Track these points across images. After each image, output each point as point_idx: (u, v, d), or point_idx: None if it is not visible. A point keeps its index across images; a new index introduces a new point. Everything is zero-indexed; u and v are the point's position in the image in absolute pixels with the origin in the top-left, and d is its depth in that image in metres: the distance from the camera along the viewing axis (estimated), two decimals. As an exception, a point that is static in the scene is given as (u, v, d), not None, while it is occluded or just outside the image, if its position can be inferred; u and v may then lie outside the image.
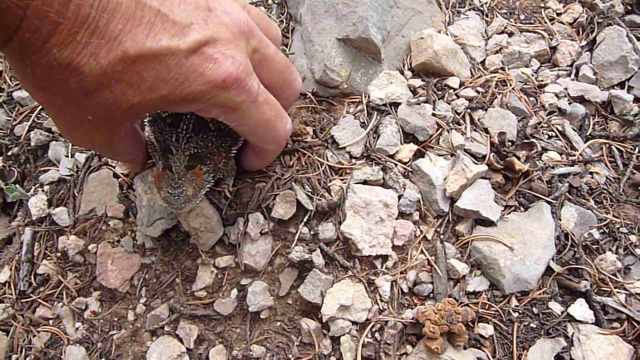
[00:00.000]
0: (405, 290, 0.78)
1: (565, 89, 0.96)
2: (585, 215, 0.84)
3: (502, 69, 0.98)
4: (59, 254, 0.84)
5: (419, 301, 0.78)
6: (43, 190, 0.88)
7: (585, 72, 0.98)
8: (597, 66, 0.99)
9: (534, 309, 0.78)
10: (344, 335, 0.74)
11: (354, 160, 0.85)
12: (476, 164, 0.84)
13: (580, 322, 0.76)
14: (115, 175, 0.87)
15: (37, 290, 0.84)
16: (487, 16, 1.07)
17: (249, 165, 0.79)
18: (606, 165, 0.91)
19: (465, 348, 0.74)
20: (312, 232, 0.80)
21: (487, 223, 0.82)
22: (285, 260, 0.79)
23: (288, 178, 0.82)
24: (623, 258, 0.82)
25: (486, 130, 0.89)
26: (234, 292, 0.78)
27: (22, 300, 0.83)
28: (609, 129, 0.94)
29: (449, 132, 0.88)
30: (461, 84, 0.94)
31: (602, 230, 0.84)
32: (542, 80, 0.98)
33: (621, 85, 0.98)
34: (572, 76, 0.99)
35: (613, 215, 0.85)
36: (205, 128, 0.69)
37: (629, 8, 1.06)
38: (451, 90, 0.92)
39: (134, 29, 0.48)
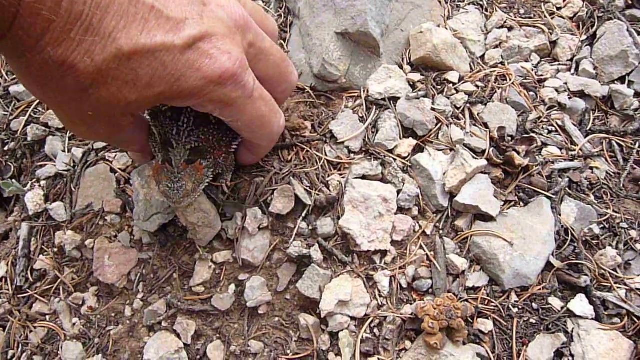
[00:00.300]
0: (404, 286, 0.78)
1: (566, 83, 0.95)
2: (586, 211, 0.84)
3: (502, 63, 0.98)
4: (55, 250, 0.83)
5: (418, 296, 0.78)
6: (40, 185, 0.88)
7: (586, 66, 0.97)
8: (598, 61, 0.98)
9: (533, 304, 0.77)
10: (342, 330, 0.74)
11: (352, 155, 0.84)
12: (476, 158, 0.84)
13: (580, 317, 0.76)
14: (113, 170, 0.86)
15: (33, 285, 0.83)
16: (486, 10, 1.06)
17: (241, 160, 0.79)
18: (606, 160, 0.90)
19: (464, 343, 0.74)
20: (310, 227, 0.79)
21: (487, 218, 0.82)
22: (284, 255, 0.78)
23: (286, 173, 0.81)
24: (623, 253, 0.81)
25: (486, 125, 0.89)
26: (232, 287, 0.78)
27: (18, 296, 0.83)
28: (609, 123, 0.94)
29: (448, 126, 0.87)
30: (460, 79, 0.93)
31: (602, 226, 0.83)
32: (542, 75, 0.97)
33: (621, 79, 0.97)
34: (572, 71, 0.98)
35: (613, 211, 0.85)
36: (207, 121, 0.69)
37: (630, 2, 1.06)
38: (450, 85, 0.92)
39: (128, 26, 0.48)
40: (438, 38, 0.91)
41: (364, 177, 0.82)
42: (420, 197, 0.82)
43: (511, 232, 0.80)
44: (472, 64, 0.97)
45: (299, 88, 0.91)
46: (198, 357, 0.75)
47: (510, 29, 1.03)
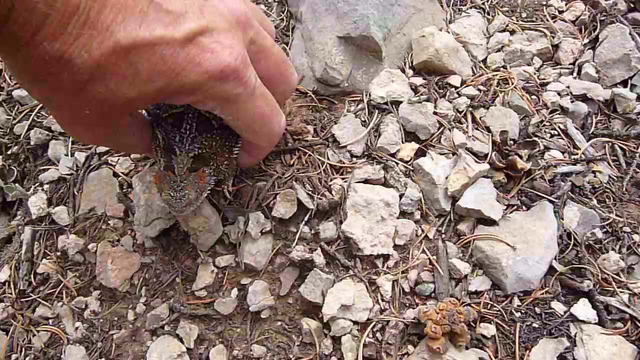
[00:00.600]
0: (407, 290, 0.78)
1: (568, 87, 0.95)
2: (588, 215, 0.84)
3: (504, 67, 0.98)
4: (58, 253, 0.84)
5: (421, 301, 0.78)
6: (43, 189, 0.88)
7: (588, 70, 0.97)
8: (600, 64, 0.98)
9: (536, 308, 0.77)
10: (345, 335, 0.74)
11: (354, 159, 0.85)
12: (478, 162, 0.84)
13: (583, 322, 0.76)
14: (115, 174, 0.86)
15: (36, 289, 0.83)
16: (488, 14, 1.06)
17: (241, 162, 0.77)
18: (609, 164, 0.90)
19: (467, 348, 0.73)
20: (312, 232, 0.79)
21: (489, 222, 0.82)
22: (286, 259, 0.78)
23: (289, 177, 0.81)
24: (626, 257, 0.81)
25: (488, 129, 0.89)
26: (235, 291, 0.78)
27: (21, 300, 0.83)
28: (611, 127, 0.94)
29: (450, 130, 0.87)
30: (463, 83, 0.93)
31: (605, 230, 0.83)
32: (544, 79, 0.97)
33: (624, 83, 0.97)
34: (575, 74, 0.98)
35: (616, 215, 0.84)
36: (209, 127, 0.68)
37: (632, 6, 1.05)
38: (453, 89, 0.92)
39: (127, 19, 0.46)
40: (440, 42, 0.91)
41: (366, 181, 0.82)
42: (423, 201, 0.82)
43: (514, 236, 0.80)
44: (474, 68, 0.97)
45: (301, 92, 0.91)
46: (200, 361, 0.75)
47: (512, 32, 1.03)
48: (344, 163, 0.84)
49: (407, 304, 0.77)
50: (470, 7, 1.06)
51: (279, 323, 0.77)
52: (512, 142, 0.88)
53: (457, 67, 0.93)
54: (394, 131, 0.85)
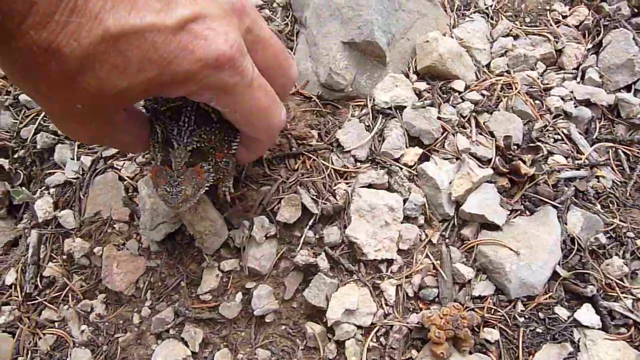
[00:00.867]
0: (411, 295, 0.78)
1: (571, 92, 0.96)
2: (592, 220, 0.84)
3: (508, 72, 0.98)
4: (64, 257, 0.84)
5: (424, 305, 0.78)
6: (49, 193, 0.89)
7: (592, 75, 0.97)
8: (603, 69, 0.98)
9: (540, 313, 0.77)
10: (349, 339, 0.74)
11: (359, 164, 0.85)
12: (482, 167, 0.84)
13: (587, 327, 0.76)
14: (121, 178, 0.87)
15: (42, 292, 0.84)
16: (492, 19, 1.06)
17: (239, 158, 0.74)
18: (612, 169, 0.90)
19: (470, 353, 0.74)
20: (317, 236, 0.80)
21: (493, 227, 0.82)
22: (290, 263, 0.79)
23: (293, 182, 0.82)
24: (630, 263, 0.81)
25: (492, 134, 0.89)
26: (239, 295, 0.78)
27: (28, 303, 0.83)
28: (615, 132, 0.94)
29: (454, 135, 0.87)
30: (466, 87, 0.93)
31: (608, 235, 0.83)
32: (547, 84, 0.97)
33: (627, 88, 0.98)
34: (578, 79, 0.99)
35: (620, 220, 0.84)
36: (208, 120, 0.66)
37: (636, 11, 1.06)
38: (456, 94, 0.92)
39: (116, 6, 0.44)
40: (444, 47, 0.91)
41: (370, 186, 0.83)
42: (427, 206, 0.83)
43: (517, 241, 0.80)
44: (477, 73, 0.97)
45: (305, 97, 0.92)
46: (205, 365, 0.76)
47: (515, 37, 1.03)
48: (348, 168, 0.84)
49: (411, 309, 0.78)
50: (474, 12, 1.06)
51: (283, 327, 0.77)
52: (515, 147, 0.88)
53: (460, 72, 0.94)
54: (397, 136, 0.86)
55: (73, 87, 0.46)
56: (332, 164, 0.84)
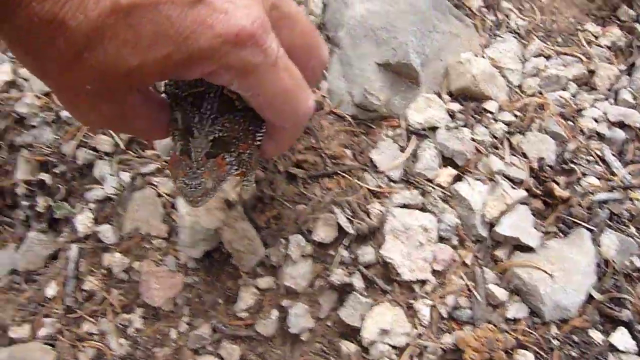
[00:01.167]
0: (445, 315, 0.79)
1: (604, 113, 0.96)
2: (626, 243, 0.84)
3: (540, 92, 0.98)
4: (104, 271, 0.86)
5: (458, 326, 0.79)
6: (89, 208, 0.91)
7: (625, 96, 0.97)
8: (637, 90, 0.98)
9: (574, 337, 0.77)
10: (383, 359, 0.75)
11: (392, 184, 0.86)
12: (515, 189, 0.85)
13: (622, 352, 0.76)
14: (159, 195, 0.89)
15: (82, 305, 0.86)
16: (523, 39, 1.07)
17: (264, 151, 0.68)
18: (646, 191, 0.90)
19: (505, 375, 0.74)
20: (352, 255, 0.81)
21: (527, 249, 0.82)
22: (325, 282, 0.80)
23: (328, 201, 0.83)
24: (665, 287, 0.81)
25: (524, 155, 0.89)
26: (275, 313, 0.79)
27: (68, 316, 0.86)
28: (649, 154, 0.94)
29: (487, 156, 0.88)
30: (499, 108, 0.94)
31: (643, 258, 0.83)
32: (580, 105, 0.98)
33: (661, 110, 0.97)
34: (611, 100, 0.99)
35: (654, 243, 0.84)
36: (232, 108, 0.60)
37: (669, 31, 1.06)
38: (489, 114, 0.93)
39: None
40: (477, 68, 0.92)
41: (404, 206, 0.84)
42: (460, 226, 0.83)
43: (551, 263, 0.80)
44: (510, 93, 0.98)
45: (338, 116, 0.93)
46: (241, 381, 0.77)
47: (547, 57, 1.04)
48: (382, 188, 0.85)
49: (445, 330, 0.78)
50: (506, 32, 1.07)
51: (318, 345, 0.78)
52: (548, 168, 0.89)
53: (493, 92, 0.94)
54: (431, 157, 0.87)
55: (80, 64, 0.43)
56: (366, 183, 0.85)
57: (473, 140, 0.89)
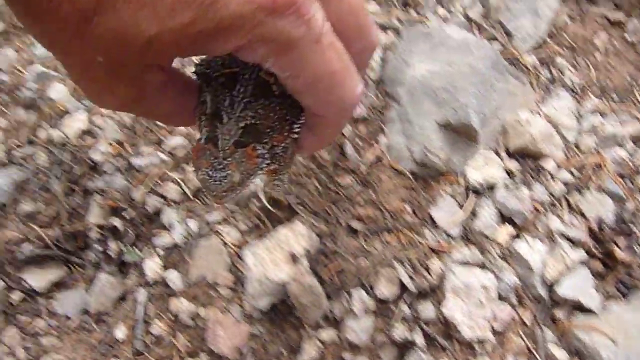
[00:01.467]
0: (505, 376, 0.80)
1: (663, 172, 0.96)
2: (689, 307, 0.84)
3: (597, 150, 1.00)
4: (171, 316, 0.90)
5: (518, 386, 0.80)
6: (158, 254, 0.96)
7: (683, 155, 0.98)
8: (695, 150, 0.99)
9: (637, 404, 0.77)
10: (444, 418, 0.77)
11: (452, 241, 0.88)
12: (574, 249, 0.86)
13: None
14: (225, 243, 0.93)
15: (150, 349, 0.90)
16: (578, 95, 1.08)
17: (302, 146, 0.58)
18: None
19: None
20: (412, 312, 0.83)
21: (586, 310, 0.83)
22: (386, 337, 0.82)
23: (389, 256, 0.85)
24: None
25: (583, 215, 0.91)
26: (337, 366, 0.82)
27: (137, 358, 0.89)
28: None
29: (545, 215, 0.89)
30: (557, 167, 0.96)
31: None
32: (637, 163, 0.98)
33: None
34: (669, 159, 0.99)
35: None
36: (268, 92, 0.52)
37: None
38: (547, 173, 0.94)
39: None
40: (535, 128, 0.94)
41: (464, 264, 0.85)
42: (519, 286, 0.85)
43: (612, 327, 0.81)
44: (566, 151, 0.99)
45: (398, 171, 0.96)
46: None
47: (603, 114, 1.05)
48: (441, 244, 0.87)
49: (505, 390, 0.79)
50: (560, 87, 1.09)
51: (380, 400, 0.80)
52: (607, 227, 0.89)
53: (550, 150, 0.96)
54: (490, 215, 0.89)
55: (91, 32, 0.37)
56: (426, 239, 0.88)
57: (531, 199, 0.90)
